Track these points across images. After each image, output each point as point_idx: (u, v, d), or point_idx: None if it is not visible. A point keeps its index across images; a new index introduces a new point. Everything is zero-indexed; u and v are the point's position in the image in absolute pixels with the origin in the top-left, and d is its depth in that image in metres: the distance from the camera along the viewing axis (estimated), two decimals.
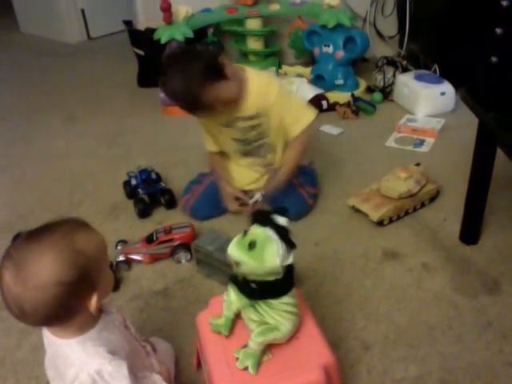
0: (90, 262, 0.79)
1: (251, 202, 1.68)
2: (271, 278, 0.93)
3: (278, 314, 0.96)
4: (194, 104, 1.43)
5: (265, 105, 1.52)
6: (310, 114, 1.59)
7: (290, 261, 0.93)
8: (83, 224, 0.85)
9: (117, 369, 0.82)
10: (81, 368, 0.81)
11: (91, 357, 0.82)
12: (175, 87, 1.41)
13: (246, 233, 0.92)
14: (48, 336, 0.86)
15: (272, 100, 1.52)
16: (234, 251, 0.91)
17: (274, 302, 0.96)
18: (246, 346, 0.96)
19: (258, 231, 0.91)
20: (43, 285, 0.74)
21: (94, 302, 0.80)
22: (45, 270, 0.75)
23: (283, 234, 0.92)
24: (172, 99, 1.46)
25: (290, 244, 0.92)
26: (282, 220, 0.93)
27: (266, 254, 0.89)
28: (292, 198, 1.65)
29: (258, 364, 0.95)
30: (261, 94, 1.51)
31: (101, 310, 0.89)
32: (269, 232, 0.91)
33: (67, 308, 0.78)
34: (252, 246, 0.90)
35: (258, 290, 0.95)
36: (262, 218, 0.93)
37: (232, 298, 1.00)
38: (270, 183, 1.65)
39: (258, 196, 1.69)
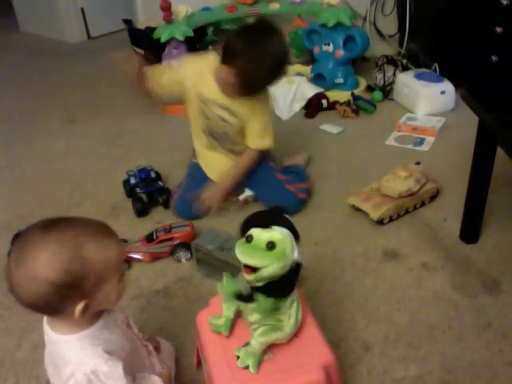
0: (88, 272, 0.78)
1: (241, 197, 1.69)
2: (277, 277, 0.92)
3: (280, 313, 0.96)
4: (239, 89, 1.48)
5: (244, 109, 1.57)
6: (270, 141, 1.66)
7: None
8: (104, 231, 0.84)
9: (113, 369, 0.82)
10: (77, 367, 0.81)
11: (88, 355, 0.82)
12: (244, 69, 1.42)
13: (249, 238, 0.89)
14: (47, 333, 0.86)
15: (254, 108, 1.57)
16: (252, 258, 0.87)
17: (275, 300, 0.96)
18: (247, 344, 0.96)
19: (267, 232, 0.89)
20: (37, 280, 0.75)
21: (78, 309, 0.79)
22: (41, 267, 0.75)
23: (294, 231, 0.92)
24: (233, 66, 1.43)
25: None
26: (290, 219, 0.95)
27: (288, 250, 0.89)
28: (281, 195, 1.67)
29: (259, 363, 0.95)
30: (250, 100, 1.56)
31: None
32: (280, 229, 0.89)
33: (51, 306, 0.78)
34: (272, 246, 0.88)
35: (261, 288, 0.94)
36: (269, 218, 0.92)
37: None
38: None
39: (248, 193, 1.70)
